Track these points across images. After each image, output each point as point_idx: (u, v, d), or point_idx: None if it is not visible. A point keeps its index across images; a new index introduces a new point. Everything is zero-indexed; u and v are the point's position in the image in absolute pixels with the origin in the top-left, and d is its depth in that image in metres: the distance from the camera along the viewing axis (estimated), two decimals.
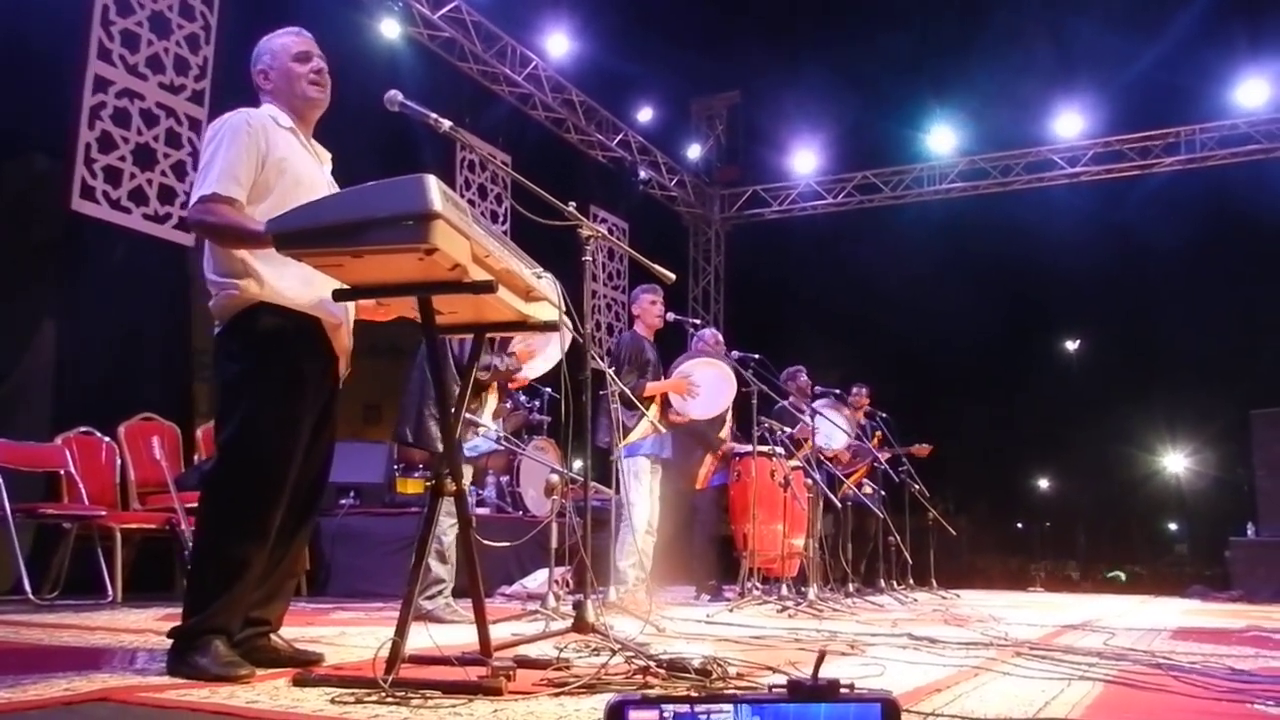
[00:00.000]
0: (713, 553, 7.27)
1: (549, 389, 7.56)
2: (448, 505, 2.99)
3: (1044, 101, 11.55)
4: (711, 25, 11.73)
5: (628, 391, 5.21)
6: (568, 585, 5.60)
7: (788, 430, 6.80)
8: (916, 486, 8.81)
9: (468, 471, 4.90)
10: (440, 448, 4.64)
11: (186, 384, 6.71)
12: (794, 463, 6.69)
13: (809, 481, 6.64)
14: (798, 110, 12.51)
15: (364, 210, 2.23)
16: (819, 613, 5.43)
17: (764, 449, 6.50)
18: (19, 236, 6.05)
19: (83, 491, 5.54)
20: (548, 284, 2.77)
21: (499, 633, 3.15)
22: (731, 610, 5.33)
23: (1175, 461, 15.06)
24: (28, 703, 2.07)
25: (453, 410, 2.72)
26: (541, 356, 4.94)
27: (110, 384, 6.16)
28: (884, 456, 8.35)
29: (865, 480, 8.49)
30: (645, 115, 11.92)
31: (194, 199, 2.68)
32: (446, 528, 4.45)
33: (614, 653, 2.63)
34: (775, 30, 12.17)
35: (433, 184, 2.19)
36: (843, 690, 1.53)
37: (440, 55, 9.31)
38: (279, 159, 2.74)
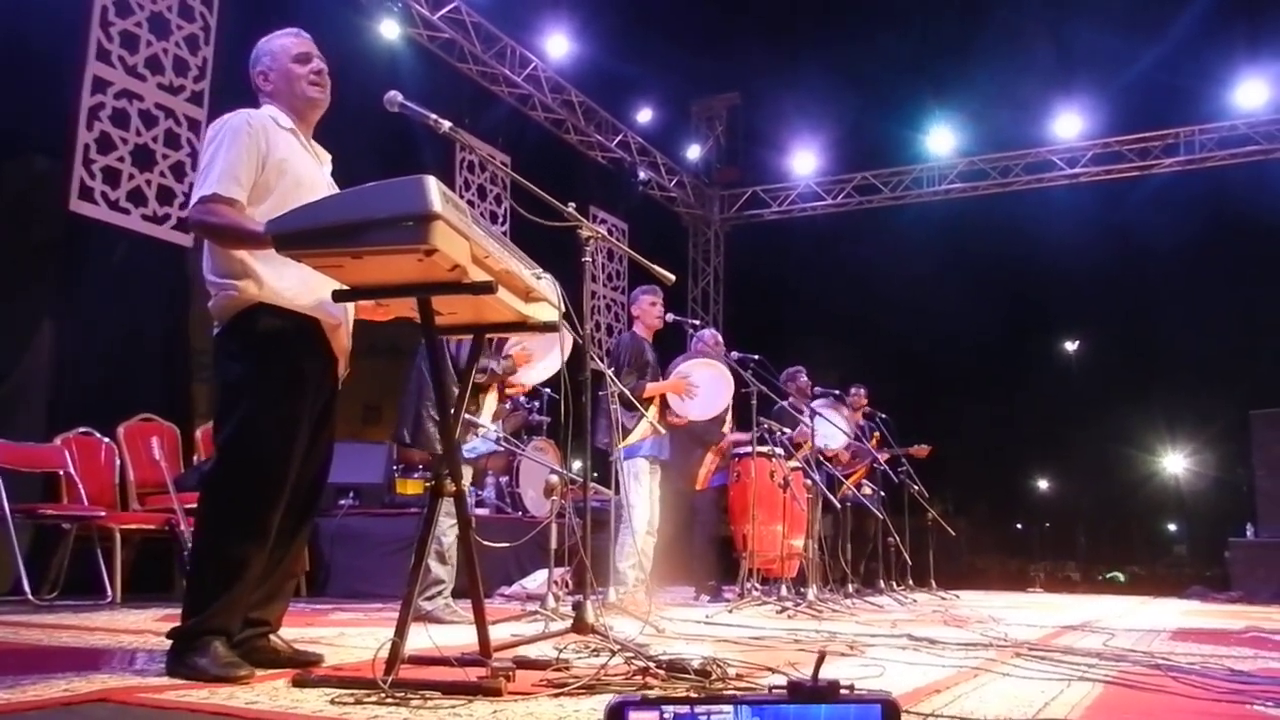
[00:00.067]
0: (712, 553, 7.26)
1: (549, 390, 7.56)
2: (447, 506, 2.99)
3: (1043, 102, 11.56)
4: (711, 26, 11.73)
5: (627, 393, 5.21)
6: (567, 586, 5.60)
7: (787, 431, 6.80)
8: (916, 487, 8.80)
9: (467, 472, 4.90)
10: (438, 448, 4.65)
11: (186, 384, 6.70)
12: (793, 463, 6.69)
13: (808, 482, 6.64)
14: (797, 111, 12.52)
15: (364, 211, 2.24)
16: (818, 613, 5.43)
17: (764, 450, 6.50)
18: (19, 237, 6.05)
19: (82, 492, 5.53)
20: (547, 285, 2.77)
21: (498, 633, 3.15)
22: (731, 611, 5.33)
23: (1175, 462, 15.06)
24: (27, 703, 2.07)
25: (452, 411, 2.72)
26: (540, 364, 4.94)
27: (109, 384, 6.16)
28: (883, 457, 8.35)
29: (864, 481, 8.49)
30: (645, 116, 11.92)
31: (194, 199, 2.68)
32: (446, 528, 4.45)
33: (613, 653, 2.63)
34: (775, 31, 12.18)
35: (432, 185, 2.19)
36: (843, 691, 1.53)
37: (440, 56, 9.32)
38: (279, 160, 2.74)
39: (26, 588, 5.00)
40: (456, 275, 2.33)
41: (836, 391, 8.14)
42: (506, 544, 5.38)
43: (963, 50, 11.38)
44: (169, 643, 2.59)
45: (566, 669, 2.60)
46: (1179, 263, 11.70)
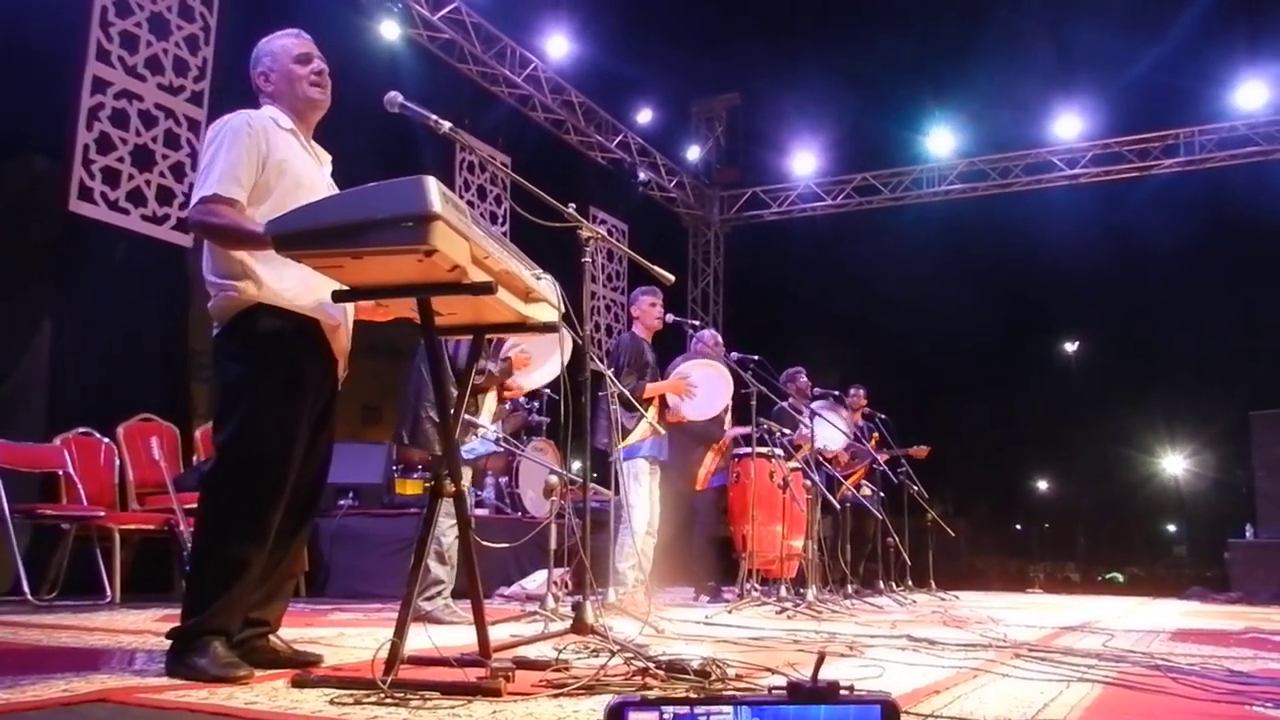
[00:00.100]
0: (712, 554, 7.26)
1: (549, 390, 7.56)
2: (447, 506, 2.99)
3: (1043, 103, 11.56)
4: (711, 26, 11.73)
5: (627, 394, 5.21)
6: (566, 586, 5.60)
7: (787, 432, 6.80)
8: (915, 488, 8.80)
9: (466, 473, 4.90)
10: (436, 449, 4.65)
11: (185, 385, 6.70)
12: (793, 464, 6.69)
13: (808, 483, 6.64)
14: (797, 112, 12.52)
15: (364, 211, 2.24)
16: (818, 614, 5.43)
17: (763, 450, 6.51)
18: (18, 237, 6.05)
19: (81, 492, 5.53)
20: (547, 285, 2.77)
21: (498, 634, 3.15)
22: (730, 611, 5.33)
23: (1174, 463, 15.06)
24: (26, 703, 2.07)
25: (451, 412, 2.72)
26: (539, 369, 4.94)
27: (109, 384, 6.16)
28: (883, 458, 8.35)
29: (864, 482, 8.49)
30: (645, 117, 11.92)
31: (194, 200, 2.68)
32: (446, 529, 4.45)
33: (613, 654, 2.63)
34: (775, 31, 12.18)
35: (432, 185, 2.19)
36: (842, 692, 1.53)
37: (440, 57, 9.32)
38: (279, 160, 2.74)
39: (26, 588, 5.00)
40: (456, 276, 2.33)
41: (836, 392, 8.14)
42: (506, 544, 5.38)
43: (963, 51, 11.37)
44: (168, 643, 2.60)
45: (566, 669, 2.60)
46: (1179, 264, 11.70)
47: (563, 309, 2.85)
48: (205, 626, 2.53)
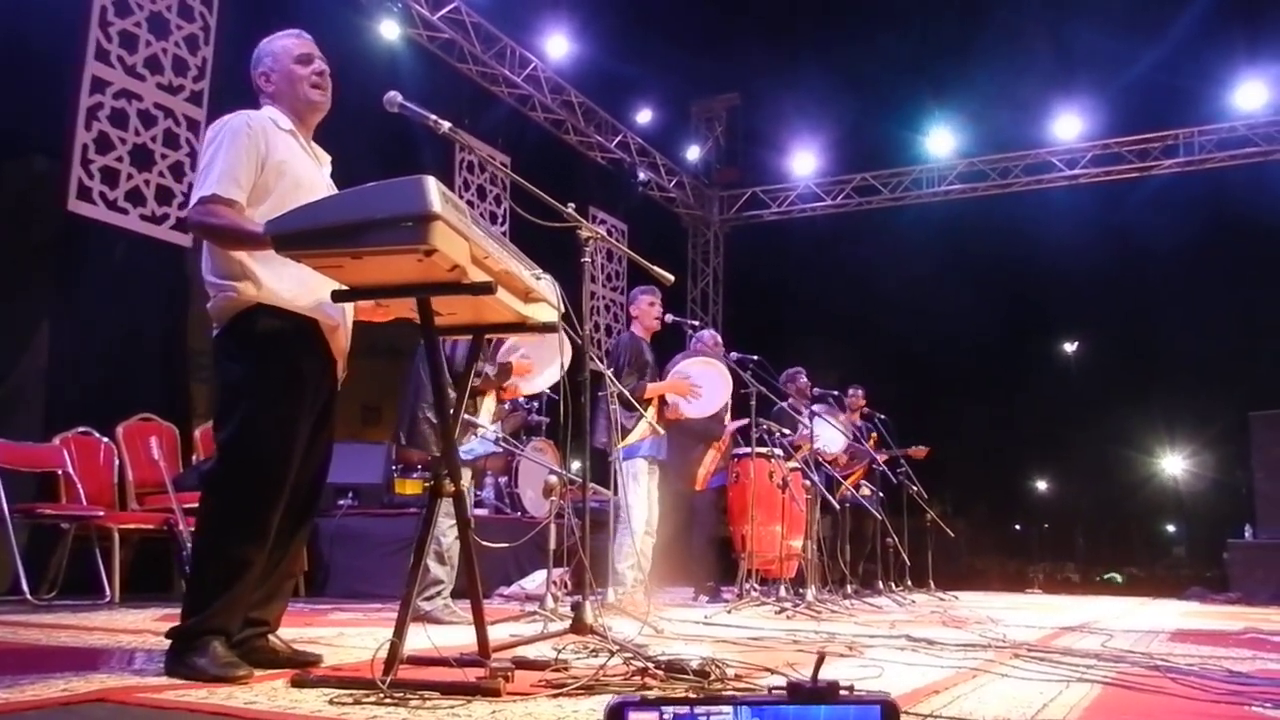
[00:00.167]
0: (711, 554, 7.27)
1: (548, 390, 7.55)
2: (446, 506, 2.99)
3: (1043, 103, 11.56)
4: (711, 26, 11.73)
5: (627, 394, 5.21)
6: (566, 586, 5.60)
7: (786, 433, 6.81)
8: (915, 488, 8.80)
9: (466, 473, 4.90)
10: (433, 449, 4.66)
11: (184, 384, 6.70)
12: (792, 464, 6.69)
13: (807, 483, 6.64)
14: (797, 112, 12.52)
15: (363, 211, 2.24)
16: (817, 614, 5.44)
17: (763, 450, 6.51)
18: (18, 237, 6.05)
19: (81, 492, 5.53)
20: (546, 285, 2.77)
21: (497, 634, 3.15)
22: (730, 611, 5.33)
23: (1174, 463, 15.06)
24: (25, 703, 2.07)
25: (450, 412, 2.72)
26: (540, 375, 4.94)
27: (108, 384, 6.16)
28: (882, 458, 8.35)
29: (863, 482, 8.50)
30: (644, 117, 11.92)
31: (194, 200, 2.69)
32: (445, 529, 4.45)
33: (612, 654, 2.63)
34: (775, 31, 12.18)
35: (432, 185, 2.19)
36: (842, 692, 1.53)
37: (440, 56, 9.32)
38: (279, 161, 2.74)
39: (25, 587, 5.00)
40: (456, 276, 2.33)
41: (835, 393, 8.15)
42: (505, 544, 5.38)
43: (963, 51, 11.38)
44: (167, 643, 2.60)
45: (565, 669, 2.60)
46: (1178, 264, 11.71)
47: (562, 309, 2.85)
48: (205, 626, 2.53)
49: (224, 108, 2.84)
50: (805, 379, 7.94)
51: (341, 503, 6.61)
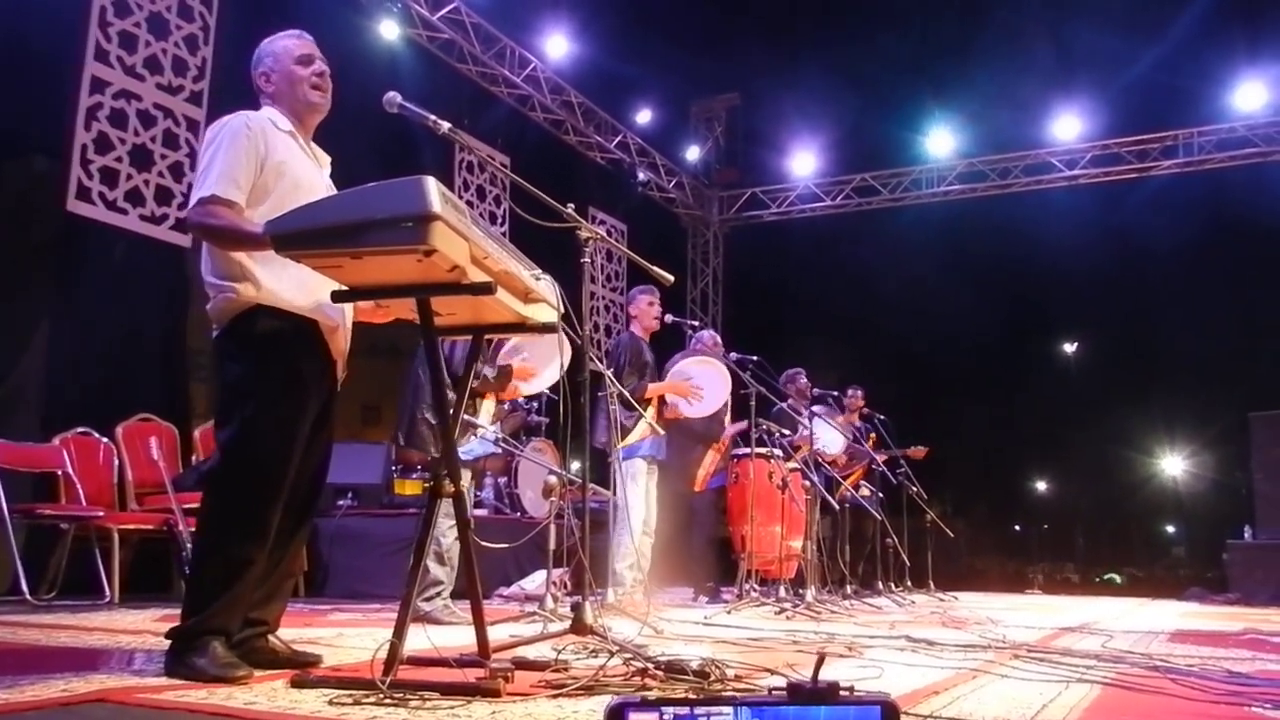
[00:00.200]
0: (711, 554, 7.26)
1: (548, 390, 7.55)
2: (446, 507, 2.99)
3: (1043, 104, 11.56)
4: (711, 27, 11.73)
5: (627, 394, 5.21)
6: (565, 587, 5.60)
7: (786, 433, 6.81)
8: (914, 488, 8.80)
9: (466, 474, 4.90)
10: (431, 449, 4.66)
11: (184, 385, 6.70)
12: (792, 465, 6.69)
13: (807, 483, 6.64)
14: (797, 112, 12.52)
15: (363, 211, 2.24)
16: (817, 615, 5.44)
17: (762, 451, 6.51)
18: (18, 237, 6.05)
19: (80, 492, 5.53)
20: (546, 286, 2.77)
21: (497, 634, 3.15)
22: (729, 612, 5.33)
23: (1173, 464, 15.07)
24: (25, 703, 2.07)
25: (450, 412, 2.72)
26: (540, 377, 4.94)
27: (108, 384, 6.15)
28: (881, 458, 8.35)
29: (862, 482, 8.50)
30: (644, 117, 11.92)
31: (193, 201, 2.69)
32: (445, 529, 4.45)
33: (612, 654, 2.63)
34: (775, 32, 12.18)
35: (432, 185, 2.20)
36: (842, 693, 1.53)
37: (439, 57, 9.32)
38: (278, 162, 2.74)
39: (24, 588, 5.00)
40: (456, 276, 2.33)
41: (835, 393, 8.15)
42: (505, 545, 5.38)
43: (962, 51, 11.38)
44: (167, 643, 2.60)
45: (565, 670, 2.60)
46: (1178, 265, 11.71)
47: (562, 309, 2.85)
48: (205, 626, 2.53)
49: (224, 108, 2.84)
50: (805, 379, 7.94)
51: (341, 503, 6.60)
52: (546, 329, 2.81)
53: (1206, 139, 11.19)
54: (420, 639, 2.74)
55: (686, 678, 2.38)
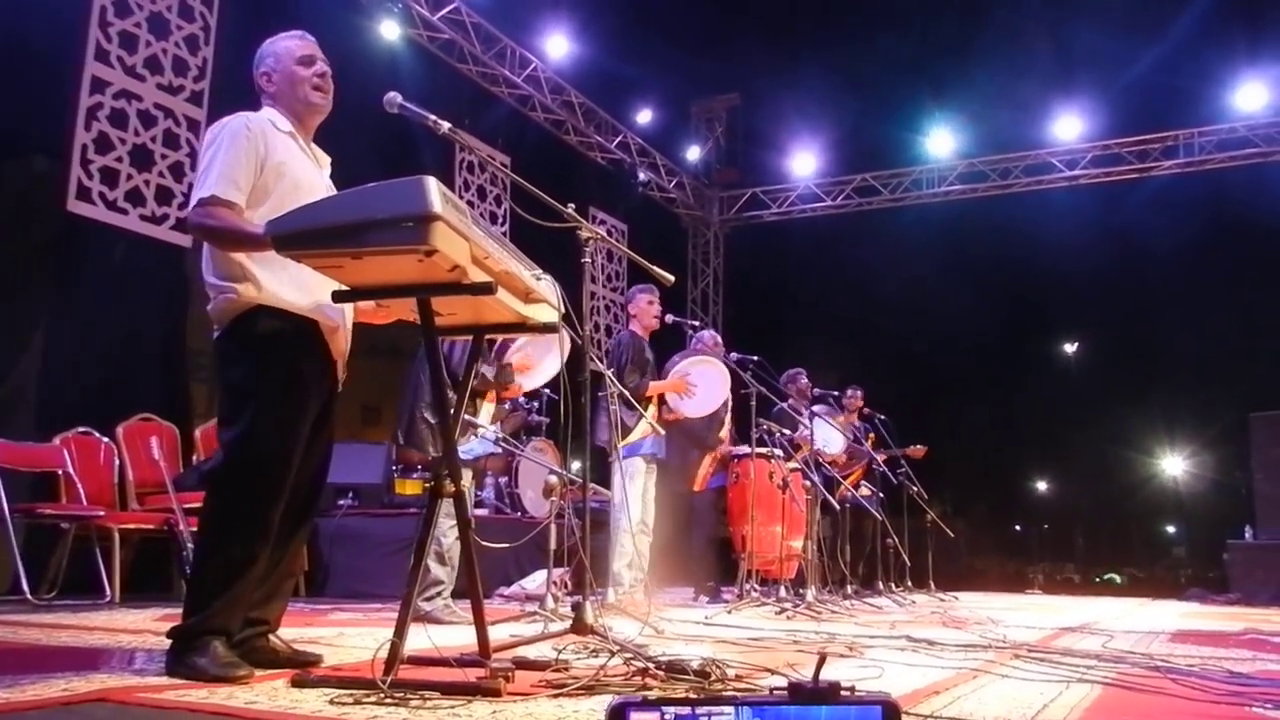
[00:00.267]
0: (711, 554, 7.26)
1: (548, 390, 7.56)
2: (447, 507, 2.99)
3: (1043, 104, 11.56)
4: (711, 27, 11.73)
5: (627, 393, 5.21)
6: (566, 586, 5.60)
7: (786, 432, 6.81)
8: (915, 488, 8.80)
9: (466, 474, 4.90)
10: (430, 449, 4.67)
11: (184, 384, 6.70)
12: (792, 465, 6.69)
13: (807, 483, 6.64)
14: (797, 112, 12.52)
15: (364, 212, 2.24)
16: (817, 615, 5.44)
17: (763, 451, 6.51)
18: (18, 237, 6.05)
19: (81, 492, 5.53)
20: (547, 286, 2.77)
21: (498, 634, 3.15)
22: (730, 612, 5.33)
23: (1174, 464, 15.07)
24: (26, 703, 2.07)
25: (450, 412, 2.72)
26: (538, 370, 4.95)
27: (108, 384, 6.15)
28: (881, 458, 8.36)
29: (862, 482, 8.50)
30: (644, 117, 11.92)
31: (193, 202, 2.69)
32: (446, 529, 4.45)
33: (612, 654, 2.63)
34: (775, 31, 12.18)
35: (432, 185, 2.20)
36: (843, 693, 1.53)
37: (440, 57, 9.32)
38: (278, 163, 2.74)
39: (25, 587, 5.00)
40: (456, 276, 2.33)
41: (835, 393, 8.14)
42: (506, 545, 5.38)
43: (963, 51, 11.38)
44: (168, 642, 2.60)
45: (566, 670, 2.61)
46: (1178, 265, 11.71)
47: (562, 309, 2.86)
48: (206, 626, 2.53)
49: (224, 108, 2.84)
50: (806, 380, 7.94)
51: (341, 503, 6.61)
52: (547, 329, 2.81)
53: (1207, 139, 11.19)
54: (421, 639, 2.74)
55: (687, 678, 2.38)
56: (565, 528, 4.91)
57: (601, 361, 5.35)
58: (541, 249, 2.96)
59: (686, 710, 1.50)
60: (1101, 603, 9.17)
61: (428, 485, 2.60)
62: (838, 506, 7.49)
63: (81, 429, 5.74)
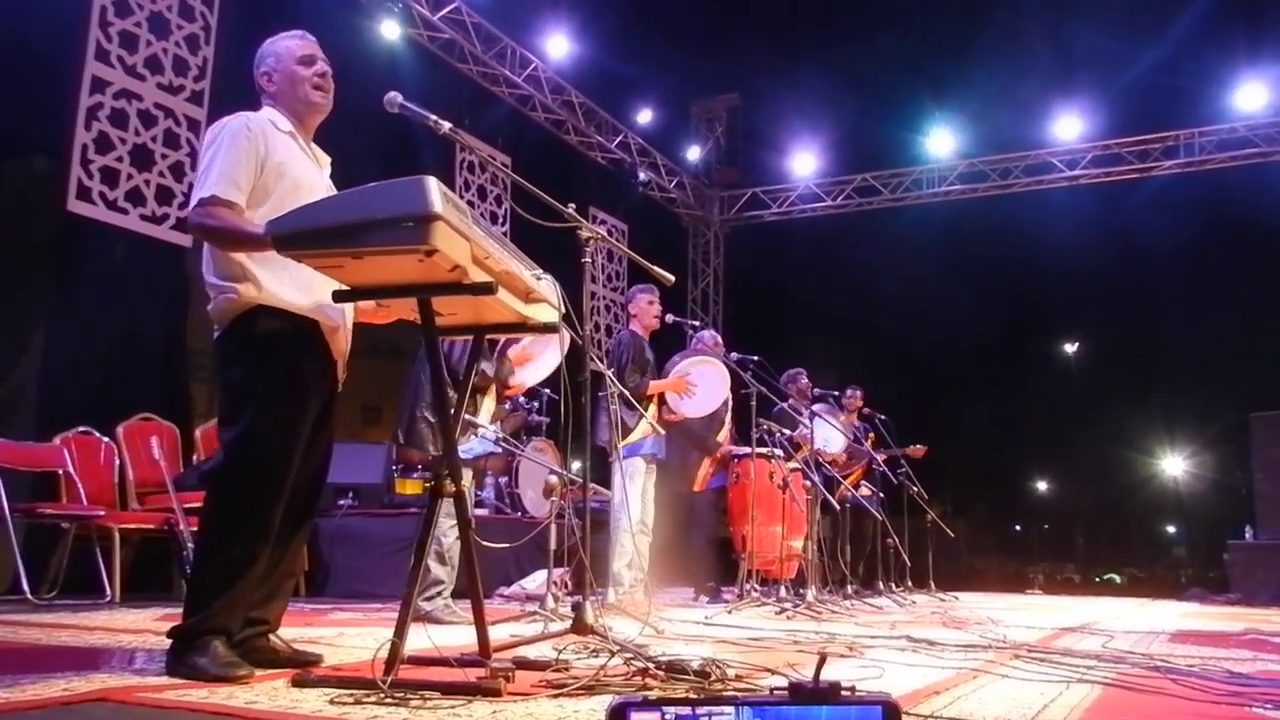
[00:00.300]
0: (711, 554, 7.26)
1: (548, 390, 7.56)
2: (447, 506, 2.99)
3: (1043, 104, 11.57)
4: (711, 27, 11.73)
5: (627, 393, 5.21)
6: (566, 586, 5.60)
7: (786, 432, 6.81)
8: (915, 488, 8.80)
9: (467, 474, 4.90)
10: (430, 449, 4.67)
11: (185, 384, 6.70)
12: (792, 465, 6.69)
13: (807, 483, 6.64)
14: (797, 112, 12.53)
15: (364, 211, 2.24)
16: (817, 615, 5.43)
17: (763, 450, 6.51)
18: (18, 237, 6.05)
19: (81, 491, 5.53)
20: (547, 286, 2.78)
21: (498, 634, 3.15)
22: (730, 612, 5.33)
23: (1174, 464, 15.07)
24: (26, 703, 2.07)
25: (450, 412, 2.72)
26: (537, 363, 4.94)
27: (109, 384, 6.16)
28: (881, 458, 8.36)
29: (863, 482, 8.50)
30: (645, 117, 11.93)
31: (193, 202, 2.69)
32: (446, 529, 4.45)
33: (613, 654, 2.63)
34: (775, 32, 12.18)
35: (433, 185, 2.19)
36: (844, 693, 1.53)
37: (440, 57, 9.32)
38: (278, 163, 2.74)
39: (25, 587, 5.00)
40: (457, 276, 2.33)
41: (835, 393, 8.14)
42: (506, 545, 5.38)
43: (963, 51, 11.38)
44: (168, 642, 2.60)
45: (566, 670, 2.60)
46: (1178, 265, 11.71)
47: (563, 309, 2.86)
48: (206, 626, 2.54)
49: (224, 108, 2.84)
50: (806, 380, 7.94)
51: (341, 503, 6.61)
52: (548, 329, 2.81)
53: (1207, 139, 11.19)
54: (421, 638, 2.74)
55: (687, 678, 2.38)
56: (565, 528, 4.91)
57: (602, 361, 5.35)
58: (542, 249, 2.96)
59: (687, 710, 1.50)
60: (1101, 603, 9.17)
61: (428, 485, 2.60)
62: (838, 506, 7.49)
63: (82, 429, 5.74)
